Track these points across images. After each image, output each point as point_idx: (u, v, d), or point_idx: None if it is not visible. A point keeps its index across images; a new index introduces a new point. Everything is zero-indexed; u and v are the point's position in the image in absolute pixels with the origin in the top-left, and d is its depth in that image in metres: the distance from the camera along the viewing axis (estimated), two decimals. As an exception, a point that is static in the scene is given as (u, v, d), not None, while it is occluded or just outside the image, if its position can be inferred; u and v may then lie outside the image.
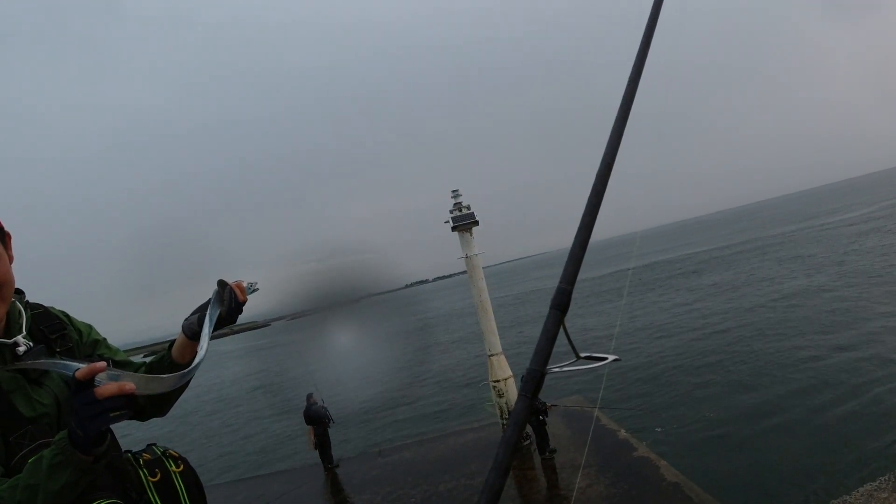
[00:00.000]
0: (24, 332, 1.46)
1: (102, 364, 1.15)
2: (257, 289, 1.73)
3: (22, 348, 1.40)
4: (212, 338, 1.57)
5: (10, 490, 1.20)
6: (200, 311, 1.61)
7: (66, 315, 1.65)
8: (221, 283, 1.63)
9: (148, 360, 1.73)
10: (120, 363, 1.68)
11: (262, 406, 28.30)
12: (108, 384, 1.15)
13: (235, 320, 1.66)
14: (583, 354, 1.33)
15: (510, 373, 10.26)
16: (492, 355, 10.37)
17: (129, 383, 1.15)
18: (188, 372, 1.39)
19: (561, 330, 1.20)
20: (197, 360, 1.45)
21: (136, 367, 1.67)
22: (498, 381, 10.14)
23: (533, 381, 1.18)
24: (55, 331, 1.55)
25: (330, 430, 11.95)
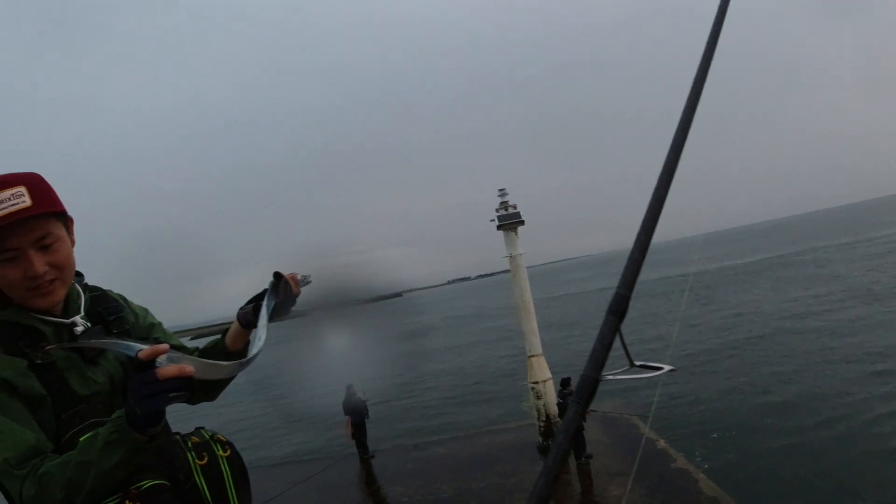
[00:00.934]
0: (83, 313, 1.49)
1: (165, 346, 1.17)
2: (310, 281, 1.75)
3: (80, 328, 1.45)
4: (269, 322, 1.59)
5: (62, 466, 1.22)
6: (255, 300, 1.63)
7: (124, 298, 1.69)
8: (277, 275, 1.64)
9: (201, 345, 1.75)
10: (174, 347, 1.70)
11: (299, 393, 28.85)
12: (169, 366, 1.17)
13: (289, 312, 1.67)
14: (637, 363, 1.28)
15: (549, 374, 10.15)
16: (532, 356, 10.27)
17: (189, 366, 1.17)
18: (247, 361, 1.40)
19: (616, 337, 1.17)
20: (256, 350, 1.45)
21: (190, 352, 1.69)
22: (537, 382, 10.03)
23: (587, 387, 1.13)
24: (112, 312, 1.58)
25: (367, 422, 12.08)
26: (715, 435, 11.35)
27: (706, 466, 9.36)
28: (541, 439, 9.99)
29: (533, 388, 10.07)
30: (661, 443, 9.44)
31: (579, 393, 1.11)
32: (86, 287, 1.58)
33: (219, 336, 1.71)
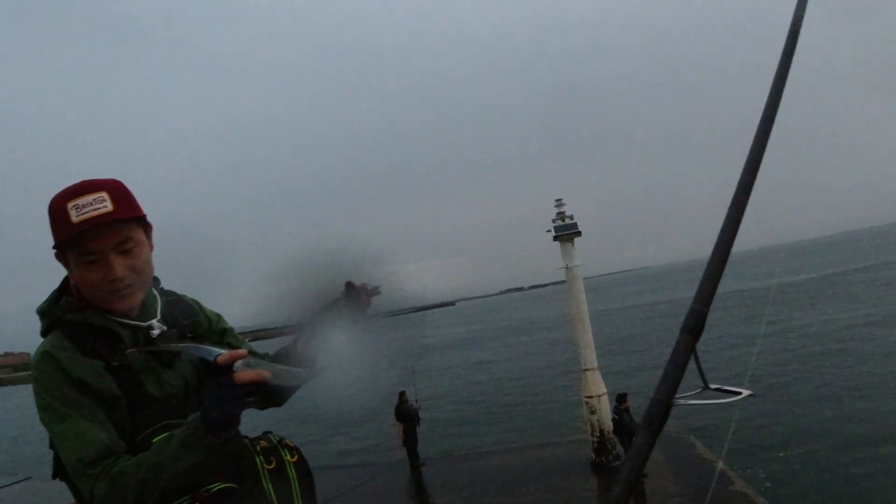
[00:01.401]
0: (158, 317, 1.53)
1: (243, 352, 1.20)
2: (380, 292, 1.73)
3: (156, 332, 1.48)
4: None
5: (136, 466, 1.25)
6: (327, 310, 1.63)
7: (198, 303, 1.73)
8: (349, 285, 1.64)
9: (271, 351, 1.77)
10: (232, 338, 1.74)
11: (351, 398, 29.14)
12: (246, 371, 1.19)
13: (360, 322, 1.66)
14: (713, 386, 1.20)
15: (604, 389, 9.92)
16: (586, 370, 10.07)
17: (265, 372, 1.20)
18: (320, 371, 1.41)
19: (691, 357, 1.09)
20: (329, 359, 1.47)
21: (261, 358, 1.72)
22: (591, 396, 9.82)
23: (659, 411, 1.05)
24: (187, 317, 1.62)
25: (418, 430, 12.10)
26: (781, 458, 10.85)
27: (767, 485, 8.97)
28: (594, 455, 9.77)
29: (587, 403, 9.85)
30: (720, 464, 9.06)
31: (650, 418, 1.03)
32: (161, 291, 1.63)
33: (289, 342, 1.73)
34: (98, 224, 1.34)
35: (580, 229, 11.01)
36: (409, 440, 11.89)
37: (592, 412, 9.73)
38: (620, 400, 9.05)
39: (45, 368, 1.34)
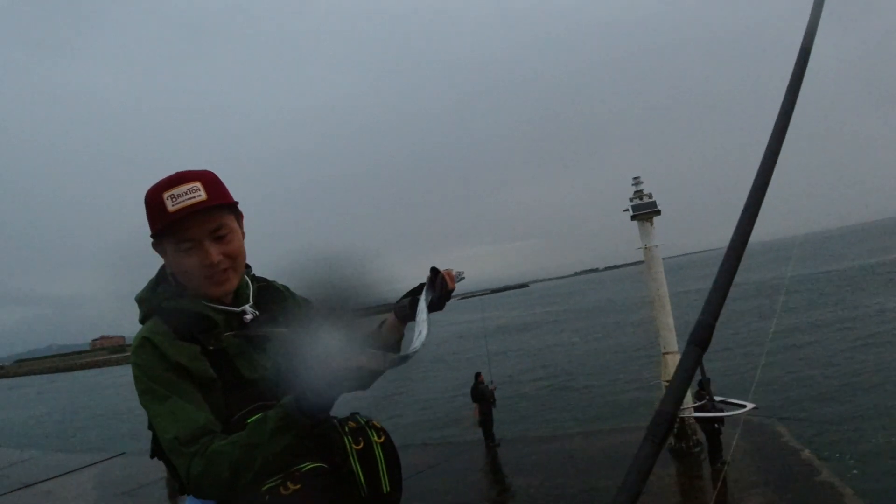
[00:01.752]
0: (251, 303, 1.59)
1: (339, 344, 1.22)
2: (463, 277, 1.79)
3: (249, 317, 1.55)
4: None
5: (230, 446, 1.30)
6: (412, 294, 1.68)
7: (287, 288, 1.78)
8: (434, 270, 1.70)
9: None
10: None
11: (436, 378, 29.67)
12: (346, 357, 1.21)
13: (443, 307, 1.71)
14: (718, 398, 1.14)
15: (686, 374, 9.61)
16: (666, 353, 9.76)
17: (363, 357, 1.21)
18: (410, 355, 1.44)
19: (696, 369, 1.05)
20: (418, 344, 1.47)
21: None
22: (670, 381, 9.53)
23: (663, 423, 1.00)
24: (277, 302, 1.68)
25: (494, 410, 12.17)
26: (869, 447, 10.25)
27: (854, 472, 8.47)
28: (673, 441, 9.49)
29: (666, 388, 9.58)
30: (806, 452, 8.60)
31: (654, 430, 0.98)
32: (253, 278, 1.69)
33: (375, 328, 1.74)
34: (193, 212, 1.41)
35: (659, 208, 10.62)
36: (485, 421, 11.98)
37: (672, 397, 9.46)
38: (702, 384, 8.73)
39: (145, 353, 1.41)
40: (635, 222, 10.78)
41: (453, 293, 1.72)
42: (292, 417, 1.27)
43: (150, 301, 1.53)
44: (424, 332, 1.51)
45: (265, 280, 1.73)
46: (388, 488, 1.57)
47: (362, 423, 1.66)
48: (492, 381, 12.39)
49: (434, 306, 1.65)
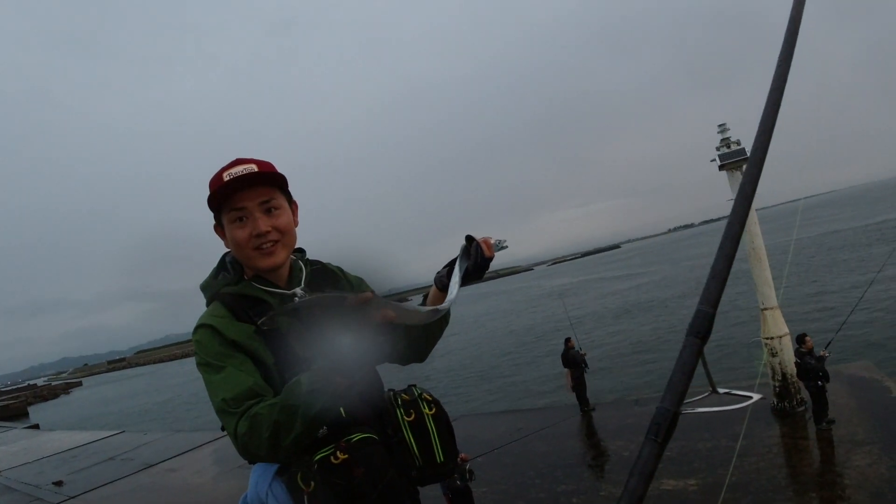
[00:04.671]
0: (303, 285, 1.69)
1: (369, 294, 1.26)
2: (506, 246, 1.76)
3: (299, 297, 1.63)
4: (463, 285, 1.64)
5: (270, 407, 1.37)
6: (450, 265, 1.69)
7: (341, 269, 1.87)
8: (469, 238, 1.69)
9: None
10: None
11: (525, 346, 29.75)
12: (372, 311, 1.25)
13: (482, 276, 1.70)
14: (721, 390, 1.09)
15: (786, 330, 9.07)
16: (765, 309, 9.28)
17: (390, 311, 1.26)
18: (440, 309, 1.49)
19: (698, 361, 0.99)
20: (448, 302, 1.52)
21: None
22: (771, 338, 9.05)
23: (665, 421, 0.96)
24: (330, 283, 1.78)
25: (586, 375, 12.09)
26: None
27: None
28: (775, 400, 9.07)
29: (767, 345, 9.12)
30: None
31: (656, 429, 0.95)
32: (307, 262, 1.79)
33: (421, 300, 1.80)
34: (244, 180, 1.53)
35: (749, 155, 10.00)
36: (578, 386, 11.93)
37: (774, 355, 8.99)
38: (800, 340, 8.23)
39: (204, 332, 1.53)
40: (724, 172, 10.22)
41: (491, 262, 1.69)
42: (325, 376, 1.31)
43: (212, 287, 1.66)
44: (455, 293, 1.56)
45: (319, 263, 1.83)
46: (442, 458, 1.64)
47: (416, 395, 1.74)
48: (581, 347, 12.31)
49: (472, 275, 1.66)
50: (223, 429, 1.49)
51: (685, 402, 1.01)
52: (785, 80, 1.28)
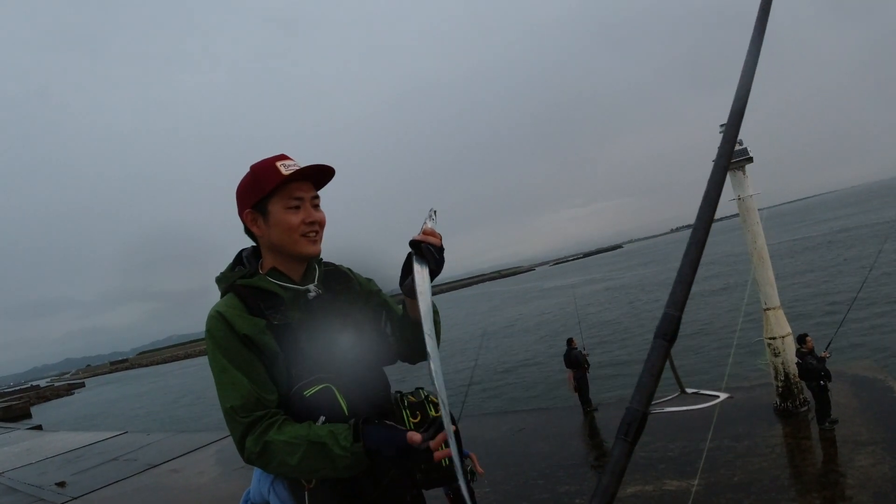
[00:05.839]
0: (316, 283, 1.74)
1: (419, 437, 1.42)
2: (434, 211, 1.71)
3: (312, 294, 1.70)
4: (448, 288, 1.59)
5: (289, 447, 1.44)
6: (408, 270, 1.64)
7: (351, 270, 1.91)
8: (414, 244, 1.62)
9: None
10: (392, 310, 1.90)
11: (529, 347, 29.73)
12: (438, 444, 1.42)
13: (443, 263, 1.62)
14: (689, 390, 1.10)
15: (789, 329, 9.07)
16: (767, 309, 9.27)
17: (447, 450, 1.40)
18: (440, 415, 1.47)
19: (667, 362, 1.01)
20: (434, 359, 1.47)
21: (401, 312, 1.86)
22: (774, 338, 9.04)
23: (634, 421, 0.99)
24: (341, 283, 1.82)
25: (588, 375, 12.09)
26: None
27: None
28: (778, 400, 9.06)
29: (770, 345, 9.11)
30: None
31: (626, 428, 0.97)
32: (320, 262, 1.84)
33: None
34: (304, 175, 1.65)
35: (752, 155, 9.98)
36: (580, 386, 11.93)
37: (776, 354, 8.98)
38: (801, 341, 8.23)
39: (215, 324, 1.57)
40: (727, 172, 10.21)
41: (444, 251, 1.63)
42: (360, 462, 1.43)
43: (227, 279, 1.70)
44: (428, 297, 1.54)
45: (332, 264, 1.87)
46: (447, 461, 1.65)
47: (423, 397, 1.76)
48: (584, 347, 12.30)
49: (435, 272, 1.61)
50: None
51: (654, 402, 1.03)
52: (750, 84, 1.29)
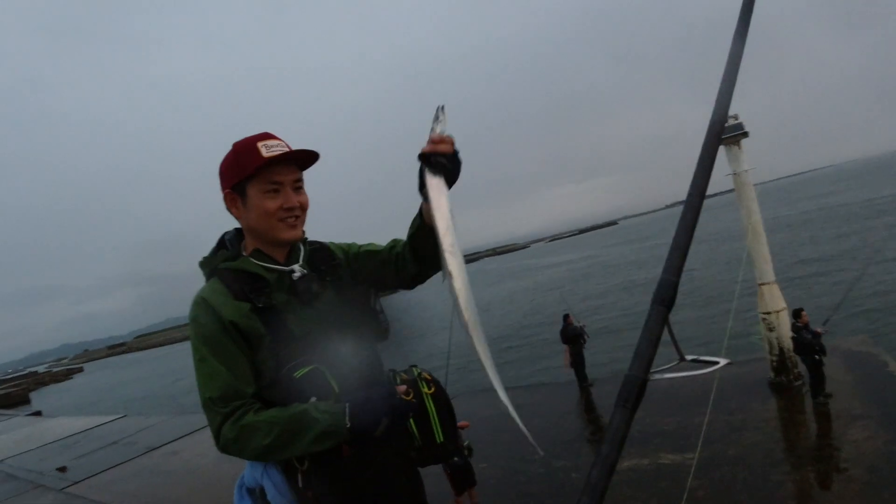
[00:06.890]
0: (301, 262, 1.72)
1: (403, 387, 1.52)
2: (442, 107, 1.51)
3: (297, 274, 1.66)
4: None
5: (267, 426, 1.44)
6: (421, 186, 1.57)
7: (333, 244, 1.88)
8: (423, 157, 1.52)
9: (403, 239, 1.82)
10: (364, 248, 1.88)
11: (523, 322, 29.86)
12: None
13: (459, 172, 1.53)
14: (689, 357, 1.09)
15: (783, 304, 9.10)
16: (762, 284, 9.29)
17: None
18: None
19: (665, 329, 1.00)
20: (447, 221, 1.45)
21: (388, 247, 1.82)
22: (769, 313, 9.07)
23: (633, 389, 0.98)
24: (326, 262, 1.78)
25: (585, 351, 12.14)
26: None
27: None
28: (773, 375, 9.14)
29: (764, 320, 9.15)
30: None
31: (625, 396, 0.97)
32: (305, 241, 1.81)
33: (417, 217, 1.71)
34: (285, 158, 1.58)
35: (747, 129, 9.93)
36: (576, 361, 11.98)
37: (771, 329, 9.02)
38: (797, 315, 8.27)
39: (199, 311, 1.56)
40: (722, 147, 10.17)
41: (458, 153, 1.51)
42: (341, 431, 1.42)
43: (211, 263, 1.68)
44: (447, 214, 1.46)
45: (318, 243, 1.85)
46: (442, 438, 1.64)
47: (415, 374, 1.74)
48: (580, 321, 12.35)
49: (450, 181, 1.52)
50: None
51: (653, 370, 1.03)
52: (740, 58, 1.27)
